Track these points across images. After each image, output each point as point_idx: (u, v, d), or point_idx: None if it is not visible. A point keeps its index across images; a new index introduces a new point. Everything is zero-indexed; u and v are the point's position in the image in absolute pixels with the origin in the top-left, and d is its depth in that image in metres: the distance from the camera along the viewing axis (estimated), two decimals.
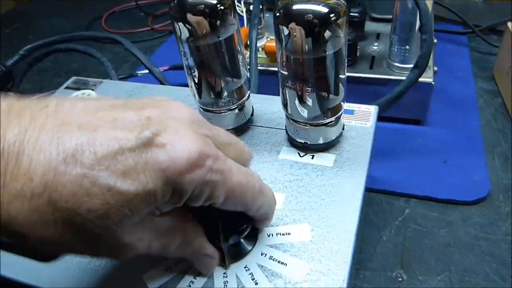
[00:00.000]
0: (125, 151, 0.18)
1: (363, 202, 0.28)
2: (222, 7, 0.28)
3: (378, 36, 0.52)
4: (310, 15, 0.26)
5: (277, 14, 0.27)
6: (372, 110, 0.35)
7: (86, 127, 0.18)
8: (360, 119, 0.35)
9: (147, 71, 0.52)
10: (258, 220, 0.25)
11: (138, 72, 0.53)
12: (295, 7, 0.26)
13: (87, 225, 0.17)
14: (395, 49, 0.44)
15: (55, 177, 0.16)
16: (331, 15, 0.26)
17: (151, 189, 0.18)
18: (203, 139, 0.20)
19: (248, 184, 0.22)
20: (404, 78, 0.40)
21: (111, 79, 0.49)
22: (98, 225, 0.17)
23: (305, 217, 0.27)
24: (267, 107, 0.37)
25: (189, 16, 0.28)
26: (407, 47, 0.43)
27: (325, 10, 0.26)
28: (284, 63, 0.29)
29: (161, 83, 0.48)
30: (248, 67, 0.44)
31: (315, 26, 0.26)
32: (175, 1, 0.29)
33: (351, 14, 0.48)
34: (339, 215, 0.27)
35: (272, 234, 0.27)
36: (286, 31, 0.26)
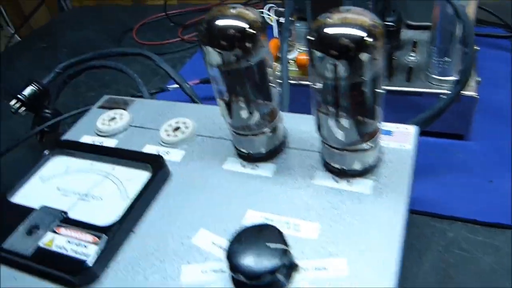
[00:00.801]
0: None
1: (404, 234, 0.27)
2: (253, 31, 0.27)
3: (414, 44, 0.50)
4: (345, 39, 0.24)
5: (310, 38, 0.26)
6: (411, 131, 0.33)
7: None
8: (398, 141, 0.33)
9: (177, 85, 0.52)
10: None
11: (169, 86, 0.53)
12: (329, 30, 0.25)
13: None
14: (434, 61, 0.42)
15: None
16: (368, 39, 0.24)
17: None
18: None
19: None
20: (444, 91, 0.38)
21: (142, 95, 0.49)
22: None
23: (341, 250, 0.26)
24: (299, 127, 0.36)
25: (219, 41, 0.27)
26: (447, 58, 0.41)
27: (361, 34, 0.24)
28: (318, 87, 0.27)
29: (192, 100, 0.48)
30: (279, 81, 0.43)
31: (351, 51, 0.24)
32: (204, 25, 0.28)
33: (386, 23, 0.46)
34: (378, 249, 0.26)
35: (308, 268, 0.26)
36: (319, 55, 0.25)
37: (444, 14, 0.38)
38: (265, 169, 0.33)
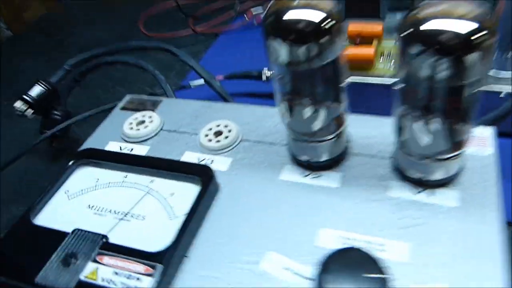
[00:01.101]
0: None
1: (508, 251, 0.24)
2: (332, 23, 0.23)
3: None
4: (449, 35, 0.20)
5: (404, 33, 0.22)
6: (488, 133, 0.30)
7: None
8: (475, 145, 0.30)
9: (200, 81, 0.47)
10: None
11: (191, 83, 0.48)
12: (428, 26, 0.21)
13: None
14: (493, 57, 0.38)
15: None
16: (478, 35, 0.20)
17: None
18: None
19: None
20: (502, 87, 0.35)
21: (165, 93, 0.45)
22: None
23: (441, 275, 0.23)
24: (361, 129, 0.32)
25: (291, 35, 0.23)
26: (508, 54, 0.37)
27: (470, 27, 0.20)
28: (406, 89, 0.24)
29: (225, 99, 0.44)
30: None
31: (455, 50, 0.21)
32: (272, 16, 0.24)
33: None
34: (482, 274, 0.22)
35: None
36: (414, 53, 0.22)
37: (510, 6, 0.35)
38: (330, 179, 0.29)
